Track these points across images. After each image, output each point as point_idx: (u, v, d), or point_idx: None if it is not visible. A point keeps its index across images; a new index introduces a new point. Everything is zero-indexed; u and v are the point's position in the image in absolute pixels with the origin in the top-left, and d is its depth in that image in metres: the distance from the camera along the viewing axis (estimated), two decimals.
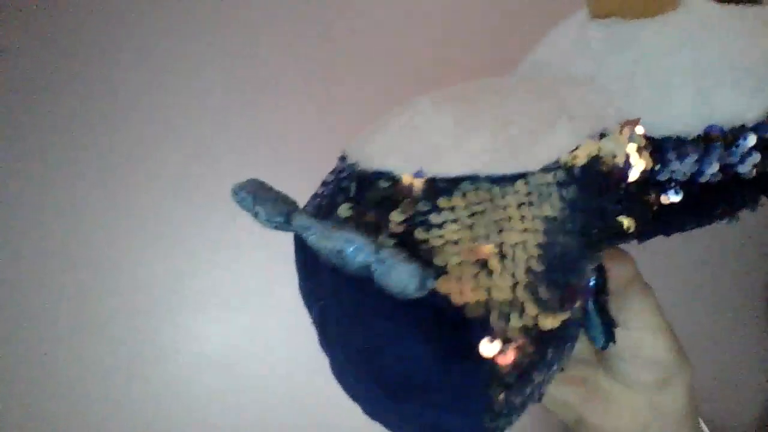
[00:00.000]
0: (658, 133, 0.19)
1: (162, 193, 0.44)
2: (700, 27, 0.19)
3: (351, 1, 0.45)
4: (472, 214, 0.16)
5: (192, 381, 0.44)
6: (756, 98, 0.19)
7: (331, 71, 0.44)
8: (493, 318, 0.15)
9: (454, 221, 0.16)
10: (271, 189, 0.17)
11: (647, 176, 0.20)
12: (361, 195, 0.17)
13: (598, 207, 0.18)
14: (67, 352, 0.43)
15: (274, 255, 0.43)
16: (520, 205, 0.16)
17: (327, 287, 0.18)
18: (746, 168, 0.19)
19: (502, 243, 0.16)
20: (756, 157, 0.19)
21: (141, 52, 0.44)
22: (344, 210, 0.17)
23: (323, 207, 0.18)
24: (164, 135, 0.44)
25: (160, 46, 0.44)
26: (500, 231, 0.16)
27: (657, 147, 0.19)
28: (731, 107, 0.19)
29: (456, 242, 0.15)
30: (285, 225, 0.16)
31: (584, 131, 0.18)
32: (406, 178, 0.17)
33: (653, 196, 0.20)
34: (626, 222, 0.20)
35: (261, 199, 0.17)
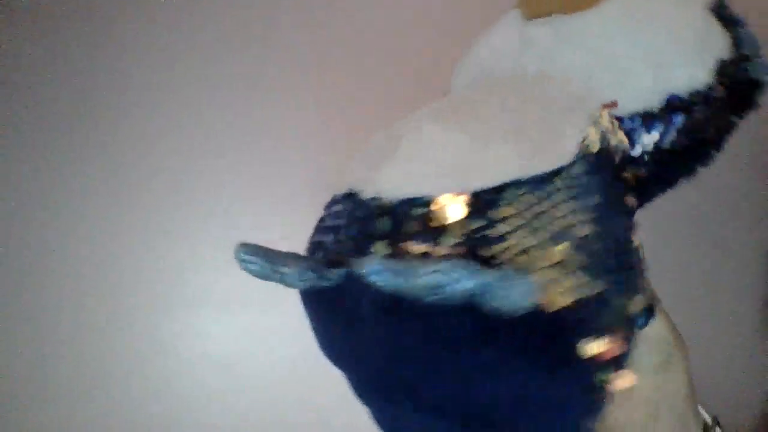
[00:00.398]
0: (624, 111, 0.20)
1: (164, 191, 0.44)
2: (638, 9, 0.21)
3: (351, 1, 0.45)
4: (531, 219, 0.16)
5: (192, 380, 0.44)
6: (703, 63, 0.20)
7: (331, 71, 0.44)
8: (590, 315, 0.15)
9: (517, 229, 0.15)
10: (274, 249, 0.16)
11: (623, 154, 0.21)
12: (395, 227, 0.16)
13: (616, 188, 0.19)
14: (68, 350, 0.43)
15: None
16: (569, 200, 0.17)
17: (378, 340, 0.16)
18: (708, 128, 0.20)
19: (572, 239, 0.16)
20: (708, 113, 0.20)
21: (143, 51, 0.44)
22: (381, 248, 0.16)
23: (346, 252, 0.17)
24: (166, 133, 0.44)
25: (163, 46, 0.44)
26: (564, 228, 0.16)
27: (625, 124, 0.20)
28: (683, 74, 0.20)
29: (526, 250, 0.15)
30: (322, 278, 0.15)
31: (584, 122, 0.19)
32: (443, 199, 0.16)
33: (628, 172, 0.21)
34: (630, 200, 0.20)
35: (278, 260, 0.16)
